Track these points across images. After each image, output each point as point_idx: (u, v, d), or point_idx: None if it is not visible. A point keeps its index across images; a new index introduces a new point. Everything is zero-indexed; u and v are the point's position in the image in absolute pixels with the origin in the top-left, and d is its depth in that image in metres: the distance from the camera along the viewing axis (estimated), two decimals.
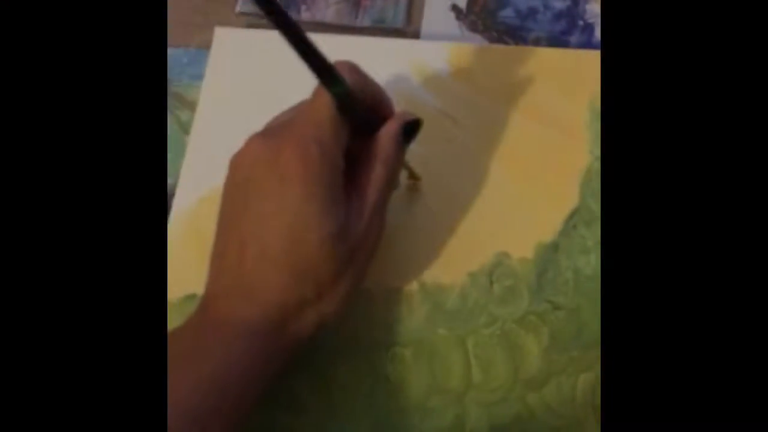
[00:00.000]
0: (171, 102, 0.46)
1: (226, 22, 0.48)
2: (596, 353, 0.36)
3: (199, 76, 0.46)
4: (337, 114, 0.31)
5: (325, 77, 0.30)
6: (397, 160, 0.34)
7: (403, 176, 0.38)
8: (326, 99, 0.31)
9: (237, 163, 0.32)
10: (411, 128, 0.34)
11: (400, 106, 0.43)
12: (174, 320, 0.38)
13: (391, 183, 0.33)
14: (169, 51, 0.47)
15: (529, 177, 0.41)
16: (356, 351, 0.37)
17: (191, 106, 0.45)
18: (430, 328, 0.37)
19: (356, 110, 0.32)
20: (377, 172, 0.32)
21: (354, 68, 0.32)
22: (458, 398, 0.36)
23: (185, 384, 0.28)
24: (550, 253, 0.38)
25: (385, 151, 0.32)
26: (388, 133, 0.33)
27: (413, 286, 0.38)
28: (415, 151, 0.42)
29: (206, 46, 0.47)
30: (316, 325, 0.31)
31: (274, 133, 0.32)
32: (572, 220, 0.39)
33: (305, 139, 0.30)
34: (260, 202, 0.30)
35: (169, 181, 0.43)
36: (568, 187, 0.40)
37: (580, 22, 0.47)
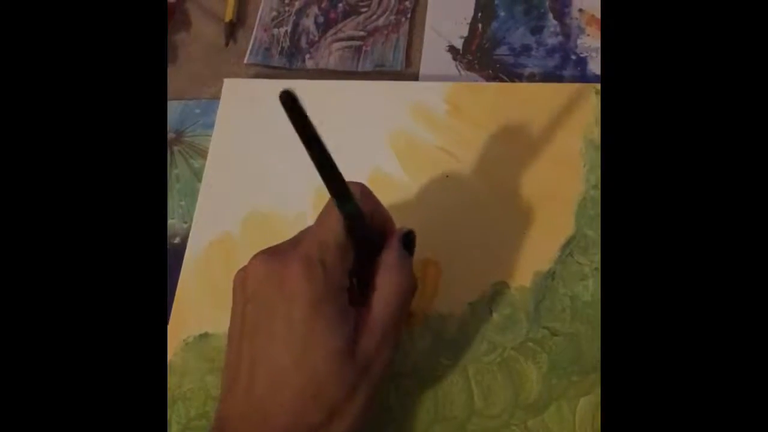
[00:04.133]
0: (184, 151, 0.48)
1: (235, 74, 0.51)
2: (595, 377, 0.37)
3: (211, 126, 0.48)
4: (345, 235, 0.31)
5: (339, 194, 0.30)
6: (405, 276, 0.33)
7: None
8: (335, 220, 0.31)
9: (242, 280, 0.32)
10: (409, 240, 0.34)
11: (400, 144, 0.45)
12: (189, 359, 0.41)
13: (402, 300, 0.32)
14: (182, 102, 0.50)
15: (525, 207, 0.42)
16: None
17: (204, 154, 0.48)
18: (432, 358, 0.38)
19: (363, 232, 0.32)
20: (385, 289, 0.32)
21: (366, 192, 0.33)
22: (461, 425, 0.37)
23: None
24: (547, 281, 0.40)
25: (391, 268, 0.32)
26: (391, 250, 0.33)
27: (415, 317, 0.40)
28: (415, 187, 0.44)
29: (217, 96, 0.49)
30: None
31: (279, 251, 0.32)
32: (568, 247, 0.40)
33: (309, 260, 0.30)
34: (269, 322, 0.30)
35: (183, 225, 0.45)
36: (563, 215, 0.41)
37: (573, 57, 0.48)
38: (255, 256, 0.32)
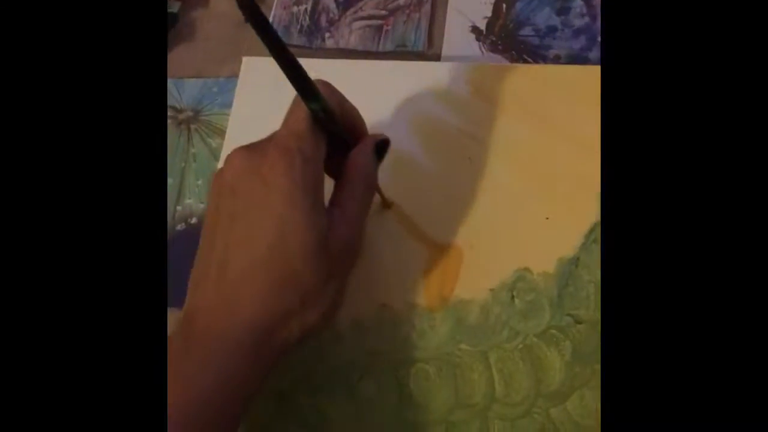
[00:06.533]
0: (202, 130, 0.47)
1: (253, 52, 0.50)
2: None
3: (229, 105, 0.48)
4: (315, 127, 0.32)
5: (305, 92, 0.31)
6: (372, 177, 0.35)
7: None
8: (305, 112, 0.31)
9: (220, 176, 0.32)
10: (382, 147, 0.35)
11: (422, 126, 0.44)
12: None
13: (368, 199, 0.35)
14: (200, 81, 0.49)
15: (549, 193, 0.41)
16: (382, 367, 0.38)
17: (221, 133, 0.47)
18: (453, 344, 0.38)
19: (332, 126, 0.33)
20: (354, 187, 0.33)
21: (329, 87, 0.33)
22: (482, 412, 0.36)
23: (169, 400, 0.28)
24: (570, 267, 0.39)
25: (361, 168, 0.34)
26: (362, 151, 0.34)
27: (435, 302, 0.39)
28: (437, 170, 0.43)
29: (235, 75, 0.49)
30: (300, 336, 0.31)
31: (256, 145, 0.32)
32: (592, 234, 0.40)
33: (288, 148, 0.31)
34: (246, 212, 0.31)
35: (200, 205, 0.45)
36: (587, 201, 0.40)
37: (599, 39, 0.47)
38: (232, 152, 0.32)
